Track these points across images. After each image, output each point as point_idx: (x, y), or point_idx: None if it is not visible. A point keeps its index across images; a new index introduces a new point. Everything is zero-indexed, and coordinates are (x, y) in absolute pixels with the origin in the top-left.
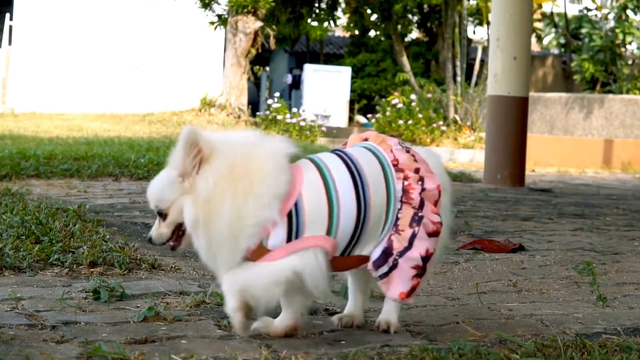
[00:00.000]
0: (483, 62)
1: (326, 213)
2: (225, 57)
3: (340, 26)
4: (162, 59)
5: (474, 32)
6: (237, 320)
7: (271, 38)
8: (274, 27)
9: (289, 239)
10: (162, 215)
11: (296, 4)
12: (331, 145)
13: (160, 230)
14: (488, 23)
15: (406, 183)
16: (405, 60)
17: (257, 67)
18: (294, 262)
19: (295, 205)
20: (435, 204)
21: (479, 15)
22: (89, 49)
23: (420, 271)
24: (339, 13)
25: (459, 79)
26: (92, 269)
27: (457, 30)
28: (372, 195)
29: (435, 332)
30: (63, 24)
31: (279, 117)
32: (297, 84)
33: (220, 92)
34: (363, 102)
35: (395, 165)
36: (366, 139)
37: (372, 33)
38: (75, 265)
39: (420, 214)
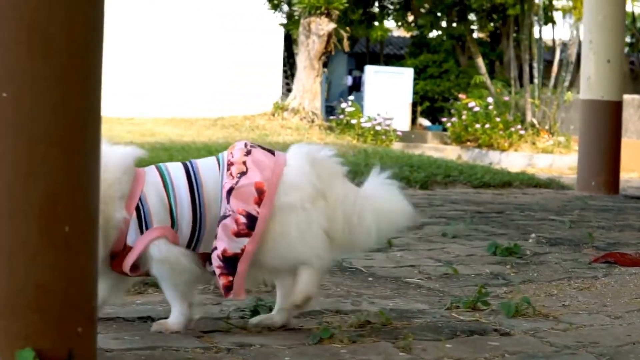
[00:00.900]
0: (561, 64)
1: (167, 208)
2: (297, 59)
3: (401, 26)
4: (229, 62)
5: (540, 32)
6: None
7: (344, 40)
8: (347, 28)
9: (141, 232)
10: None
11: (368, 5)
12: (406, 150)
13: None
14: (554, 23)
15: (224, 180)
16: (480, 62)
17: None
18: (154, 254)
19: (140, 200)
20: (257, 201)
21: (546, 15)
22: (155, 52)
23: (225, 270)
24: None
25: (536, 81)
26: None
27: (533, 30)
28: (205, 194)
29: (618, 354)
30: (127, 26)
31: (353, 121)
32: (357, 86)
33: (293, 95)
34: (426, 104)
35: (229, 164)
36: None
37: (432, 33)
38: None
39: (226, 213)
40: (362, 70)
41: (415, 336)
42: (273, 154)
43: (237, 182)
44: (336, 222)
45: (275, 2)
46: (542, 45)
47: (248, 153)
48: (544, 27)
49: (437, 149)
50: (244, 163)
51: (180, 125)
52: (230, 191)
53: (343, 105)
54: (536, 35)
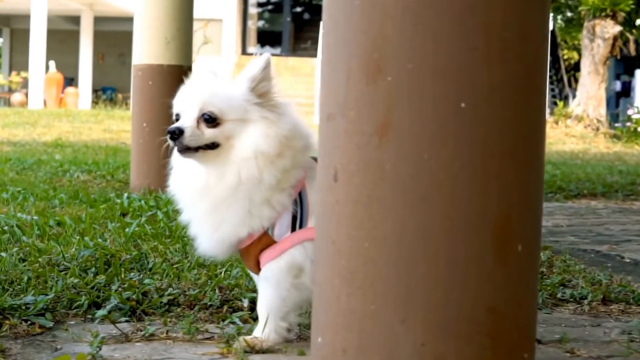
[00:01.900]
0: None
1: None
2: (581, 64)
3: None
4: None
5: None
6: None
7: (630, 43)
8: (634, 30)
9: (293, 229)
10: (212, 122)
11: None
12: None
13: (201, 133)
14: None
15: None
16: None
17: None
18: (295, 256)
19: (300, 194)
20: None
21: None
22: None
23: None
24: None
25: None
26: (609, 306)
27: None
28: None
29: None
30: None
31: None
32: (626, 91)
33: (577, 102)
34: None
35: None
36: None
37: None
38: (586, 301)
39: None
40: (631, 75)
41: None
42: None
43: None
44: None
45: (556, 4)
46: None
47: None
48: None
49: None
50: None
51: None
52: None
53: (629, 112)
54: None
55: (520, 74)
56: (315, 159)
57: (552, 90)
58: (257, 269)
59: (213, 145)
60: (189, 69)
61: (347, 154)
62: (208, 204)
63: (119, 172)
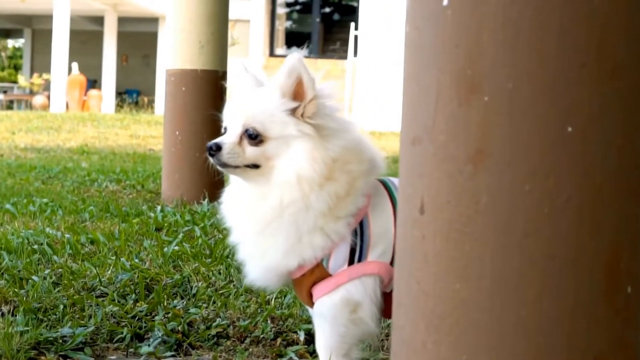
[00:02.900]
0: None
1: (391, 240)
2: None
3: None
4: None
5: None
6: None
7: None
8: None
9: (350, 262)
10: (255, 138)
11: None
12: None
13: (243, 151)
14: None
15: None
16: None
17: None
18: (351, 292)
19: (361, 224)
20: None
21: None
22: None
23: None
24: None
25: None
26: None
27: None
28: None
29: None
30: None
31: None
32: None
33: None
34: None
35: None
36: None
37: None
38: None
39: None
40: None
41: None
42: None
43: None
44: None
45: None
46: None
47: None
48: None
49: None
50: None
51: None
52: None
53: None
54: None
55: (632, 95)
56: (382, 182)
57: None
58: (310, 302)
59: (253, 166)
60: (224, 74)
61: (435, 184)
62: (254, 225)
63: (149, 181)
